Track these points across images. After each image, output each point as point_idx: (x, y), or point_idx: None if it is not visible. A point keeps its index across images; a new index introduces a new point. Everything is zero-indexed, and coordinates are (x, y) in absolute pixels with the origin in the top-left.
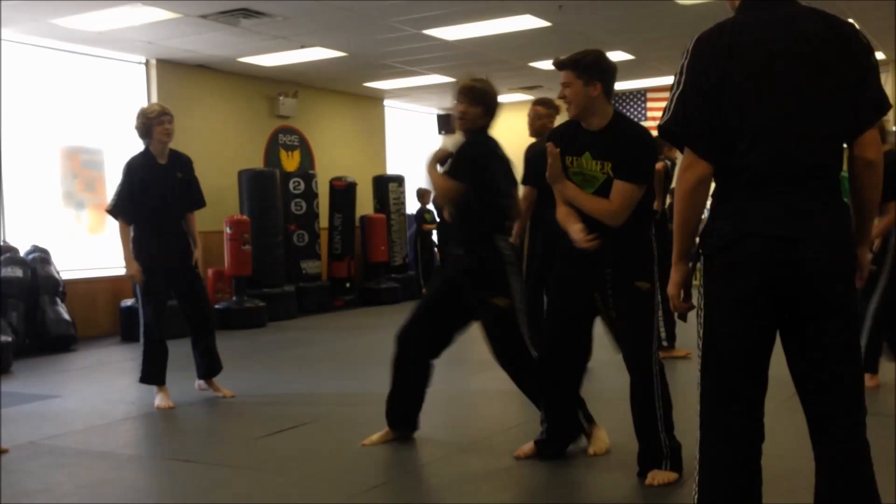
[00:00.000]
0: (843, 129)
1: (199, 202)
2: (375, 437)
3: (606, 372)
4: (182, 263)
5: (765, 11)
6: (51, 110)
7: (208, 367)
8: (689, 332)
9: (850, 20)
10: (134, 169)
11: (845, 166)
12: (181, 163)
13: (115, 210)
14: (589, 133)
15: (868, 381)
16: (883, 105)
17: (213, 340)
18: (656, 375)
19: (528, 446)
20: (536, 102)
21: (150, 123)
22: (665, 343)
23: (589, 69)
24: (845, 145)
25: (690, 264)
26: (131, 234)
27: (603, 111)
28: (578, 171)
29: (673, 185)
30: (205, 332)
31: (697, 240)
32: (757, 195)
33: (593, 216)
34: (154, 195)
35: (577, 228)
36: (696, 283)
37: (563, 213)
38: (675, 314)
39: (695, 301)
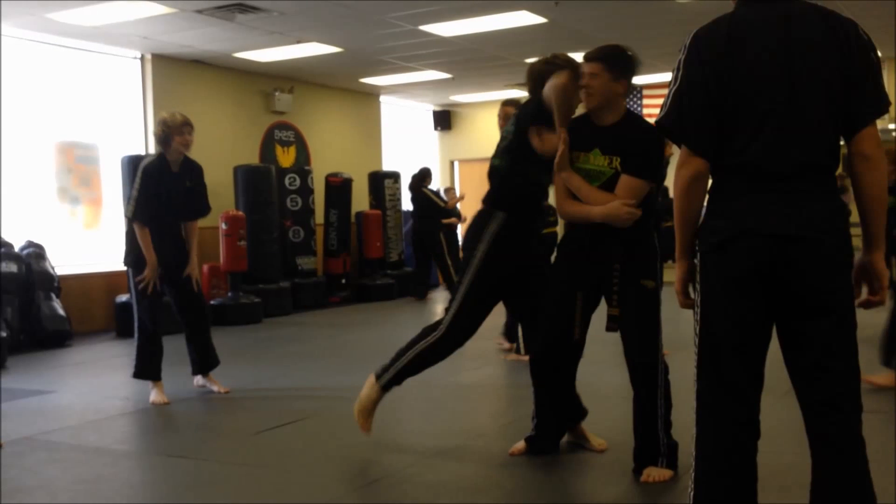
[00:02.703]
0: (841, 126)
1: (203, 211)
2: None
3: (605, 370)
4: (177, 260)
5: (763, 7)
6: (45, 105)
7: (204, 361)
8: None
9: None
10: (149, 174)
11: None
12: (192, 171)
13: (135, 215)
14: (599, 128)
15: (882, 379)
16: (882, 103)
17: (208, 335)
18: (660, 374)
19: (521, 444)
20: (506, 103)
21: (170, 133)
22: None
23: (620, 65)
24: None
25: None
26: (133, 231)
27: (619, 107)
28: (582, 166)
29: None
30: (200, 327)
31: None
32: (753, 192)
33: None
34: (161, 201)
35: (615, 205)
36: None
37: (571, 205)
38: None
39: None
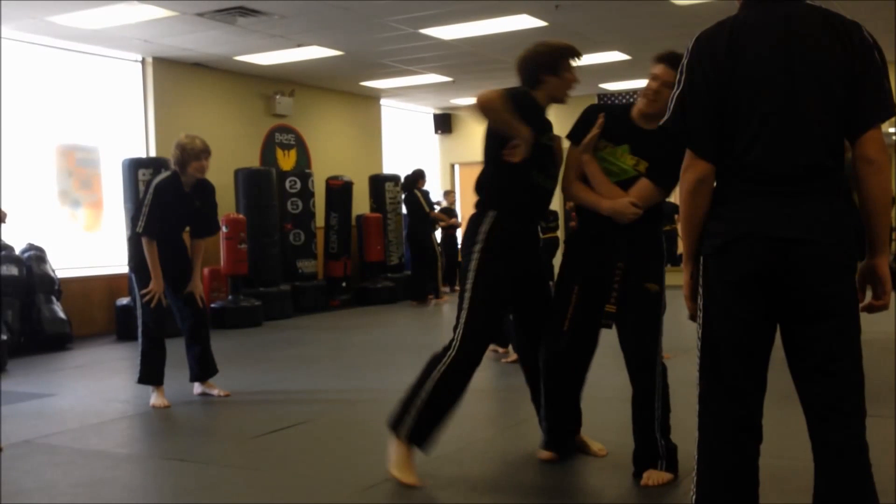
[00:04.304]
0: (843, 129)
1: (211, 230)
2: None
3: (605, 371)
4: (180, 266)
5: (766, 10)
6: (46, 108)
7: (203, 370)
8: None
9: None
10: (162, 191)
11: None
12: (203, 191)
13: (144, 231)
14: (637, 129)
15: None
16: (887, 106)
17: (208, 344)
18: (658, 377)
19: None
20: None
21: (187, 158)
22: None
23: None
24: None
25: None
26: (136, 237)
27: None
28: (606, 157)
29: None
30: (200, 336)
31: None
32: (754, 194)
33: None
34: (170, 218)
35: (624, 203)
36: None
37: (580, 189)
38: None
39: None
